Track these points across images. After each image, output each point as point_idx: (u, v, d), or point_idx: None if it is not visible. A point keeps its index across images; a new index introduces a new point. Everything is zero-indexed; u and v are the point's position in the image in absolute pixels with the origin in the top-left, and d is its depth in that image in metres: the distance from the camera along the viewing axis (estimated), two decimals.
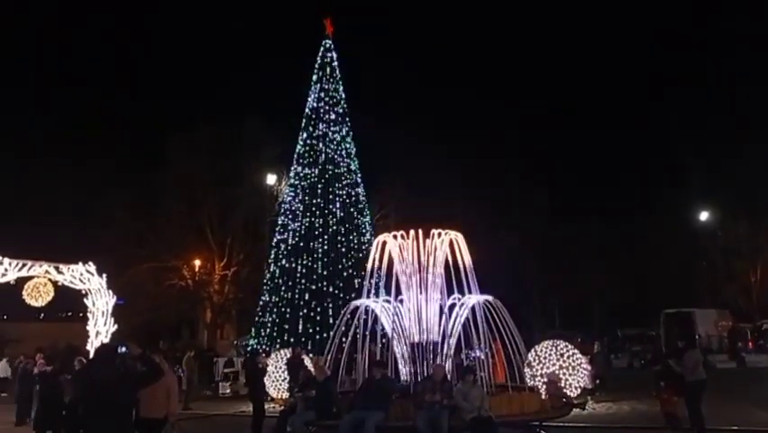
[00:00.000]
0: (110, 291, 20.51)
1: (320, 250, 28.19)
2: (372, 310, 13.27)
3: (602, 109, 70.73)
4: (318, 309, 27.01)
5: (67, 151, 46.20)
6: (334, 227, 28.65)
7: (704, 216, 43.65)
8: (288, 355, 18.41)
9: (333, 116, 30.49)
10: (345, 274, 27.88)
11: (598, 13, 74.84)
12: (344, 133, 30.67)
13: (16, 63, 68.17)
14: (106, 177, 40.36)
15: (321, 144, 29.94)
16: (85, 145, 49.68)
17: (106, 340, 20.02)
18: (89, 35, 71.90)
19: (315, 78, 31.13)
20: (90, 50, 73.26)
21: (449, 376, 11.92)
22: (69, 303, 27.29)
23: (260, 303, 29.32)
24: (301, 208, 29.21)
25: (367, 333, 13.02)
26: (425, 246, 13.19)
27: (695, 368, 11.98)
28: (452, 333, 12.88)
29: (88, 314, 20.39)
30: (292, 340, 25.60)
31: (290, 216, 29.52)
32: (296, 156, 30.64)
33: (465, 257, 13.25)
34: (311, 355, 20.00)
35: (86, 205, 38.31)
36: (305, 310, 27.20)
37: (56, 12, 73.60)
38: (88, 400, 6.20)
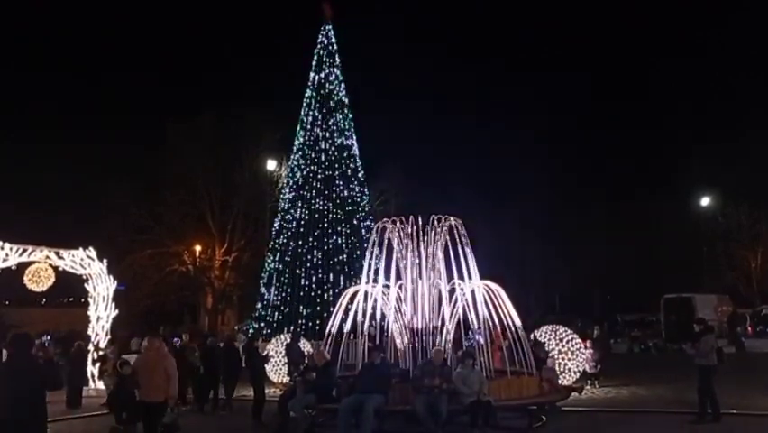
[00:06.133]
0: (110, 277, 20.51)
1: (320, 235, 28.20)
2: (372, 295, 13.28)
3: (604, 95, 70.61)
4: (318, 294, 27.08)
5: (67, 137, 46.19)
6: (334, 213, 28.65)
7: (705, 201, 43.60)
8: (288, 340, 18.47)
9: (332, 101, 30.37)
10: (345, 259, 27.92)
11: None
12: (344, 117, 30.54)
13: (16, 49, 67.86)
14: (107, 164, 40.39)
15: (320, 129, 29.84)
16: (85, 132, 49.62)
17: (108, 325, 20.09)
18: (89, 21, 71.47)
19: (314, 62, 30.98)
20: (89, 36, 72.87)
21: (448, 360, 11.96)
22: (71, 288, 27.28)
23: (261, 288, 29.39)
24: (301, 194, 29.19)
25: (366, 318, 13.03)
26: (424, 232, 13.19)
27: (708, 353, 12.04)
28: (451, 318, 12.90)
29: (89, 299, 20.42)
30: (292, 327, 25.68)
31: (290, 202, 29.51)
32: (295, 141, 30.56)
33: (465, 243, 13.24)
34: (312, 341, 20.03)
35: (87, 191, 38.30)
36: (304, 296, 27.28)
37: None
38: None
